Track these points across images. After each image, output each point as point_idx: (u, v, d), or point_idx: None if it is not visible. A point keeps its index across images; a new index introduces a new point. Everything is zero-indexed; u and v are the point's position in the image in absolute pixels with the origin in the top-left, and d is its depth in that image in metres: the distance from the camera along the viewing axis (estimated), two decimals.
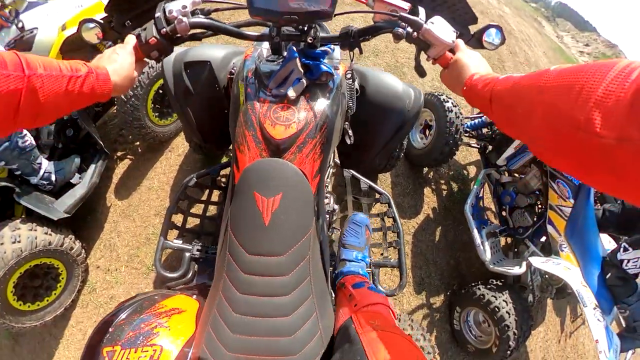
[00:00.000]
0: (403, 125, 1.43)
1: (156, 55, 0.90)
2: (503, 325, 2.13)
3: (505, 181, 2.56)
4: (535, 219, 2.38)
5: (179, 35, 0.90)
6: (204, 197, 1.69)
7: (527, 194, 2.41)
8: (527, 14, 20.93)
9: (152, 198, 2.58)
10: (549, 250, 2.27)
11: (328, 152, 0.99)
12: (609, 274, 1.90)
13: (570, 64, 0.45)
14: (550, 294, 2.54)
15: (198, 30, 0.95)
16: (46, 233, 1.88)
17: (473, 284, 2.44)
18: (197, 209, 1.70)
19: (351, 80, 1.21)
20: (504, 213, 2.60)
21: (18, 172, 1.96)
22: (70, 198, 2.11)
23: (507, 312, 2.14)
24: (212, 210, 1.78)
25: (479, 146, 2.80)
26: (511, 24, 11.46)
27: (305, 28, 0.92)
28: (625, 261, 1.82)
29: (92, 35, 1.03)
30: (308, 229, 0.88)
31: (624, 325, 1.92)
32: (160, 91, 2.37)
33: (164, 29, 0.87)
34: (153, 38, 0.86)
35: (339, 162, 1.86)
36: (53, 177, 2.11)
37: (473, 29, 1.03)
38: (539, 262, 2.10)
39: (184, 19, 0.87)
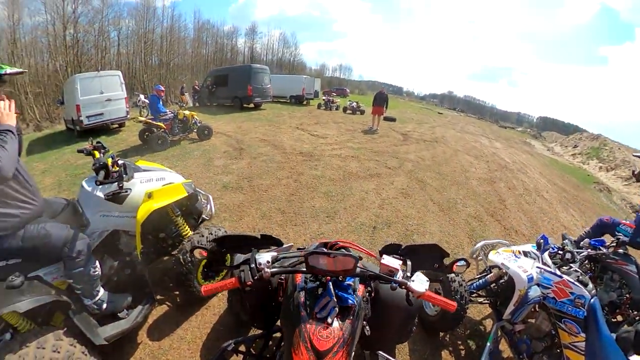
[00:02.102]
0: (409, 316, 1.85)
1: (249, 289, 1.40)
2: None
3: (519, 329, 2.63)
4: None
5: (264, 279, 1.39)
6: None
7: (541, 338, 2.49)
8: (516, 141, 22.89)
9: (183, 348, 2.65)
10: None
11: (352, 351, 1.38)
12: None
13: None
14: None
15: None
16: (83, 352, 1.97)
17: None
18: None
19: (367, 301, 1.64)
20: None
21: (78, 292, 2.21)
22: (114, 329, 2.29)
23: None
24: None
25: (489, 301, 2.97)
26: (505, 158, 12.57)
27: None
28: None
29: (198, 254, 1.55)
30: None
31: None
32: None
33: (256, 276, 1.36)
34: (250, 281, 1.35)
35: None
36: (104, 306, 2.32)
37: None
38: None
39: (268, 270, 1.38)
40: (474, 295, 2.99)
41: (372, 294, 1.72)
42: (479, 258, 3.36)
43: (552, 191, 9.10)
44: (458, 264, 1.57)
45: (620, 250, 3.03)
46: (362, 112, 19.74)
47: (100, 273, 2.30)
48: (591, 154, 20.88)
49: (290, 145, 9.36)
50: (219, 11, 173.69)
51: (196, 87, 20.60)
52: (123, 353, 2.55)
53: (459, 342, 3.10)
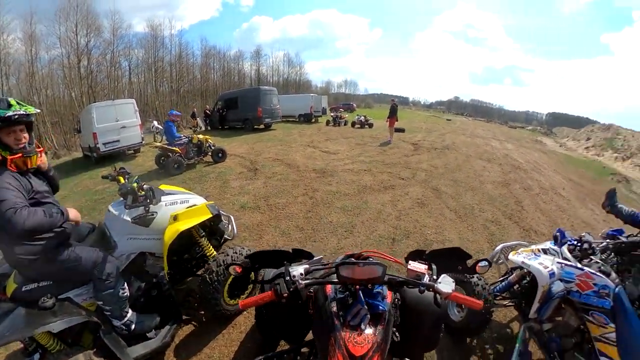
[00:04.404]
0: (437, 320, 1.85)
1: (284, 299, 1.45)
2: None
3: (547, 328, 2.58)
4: (587, 356, 2.34)
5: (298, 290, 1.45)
6: None
7: (570, 335, 2.45)
8: (527, 141, 22.58)
9: None
10: None
11: (385, 356, 1.42)
12: None
13: None
14: None
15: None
16: None
17: None
18: None
19: (395, 307, 1.68)
20: None
21: (107, 313, 2.28)
22: (143, 349, 2.38)
23: None
24: None
25: (513, 303, 2.93)
26: (517, 159, 12.40)
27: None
28: None
29: (233, 270, 1.61)
30: None
31: None
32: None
33: (291, 288, 1.42)
34: (286, 293, 1.41)
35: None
36: (132, 327, 2.40)
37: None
38: None
39: (302, 282, 1.45)
40: (498, 299, 2.96)
41: (400, 301, 1.74)
42: (500, 261, 3.32)
43: (569, 187, 8.97)
44: (480, 264, 1.63)
45: None
46: (371, 126, 19.95)
47: (128, 294, 2.39)
48: (605, 145, 20.54)
49: (303, 163, 9.51)
50: (223, 37, 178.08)
51: (207, 111, 21.21)
52: None
53: (487, 347, 3.06)
